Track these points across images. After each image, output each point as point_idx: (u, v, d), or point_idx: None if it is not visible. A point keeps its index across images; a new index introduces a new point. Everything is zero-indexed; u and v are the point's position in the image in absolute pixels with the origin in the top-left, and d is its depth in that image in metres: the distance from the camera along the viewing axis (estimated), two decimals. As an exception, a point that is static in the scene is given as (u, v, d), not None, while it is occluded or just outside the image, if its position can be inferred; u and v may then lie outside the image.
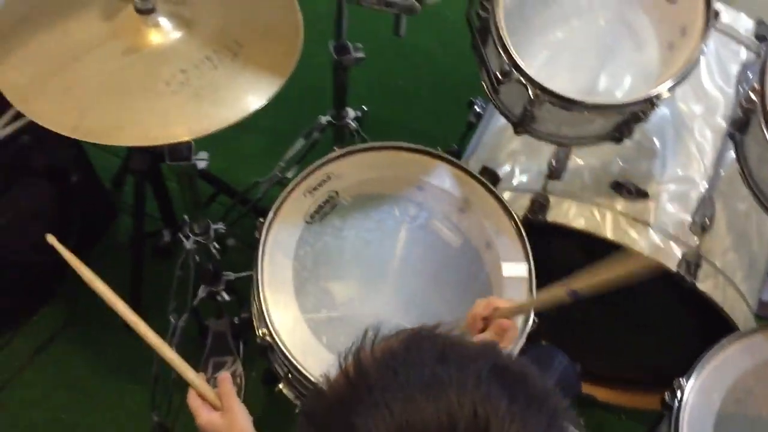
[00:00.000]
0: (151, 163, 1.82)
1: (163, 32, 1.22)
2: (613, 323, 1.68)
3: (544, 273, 1.40)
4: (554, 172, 1.57)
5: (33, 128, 1.87)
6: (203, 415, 1.02)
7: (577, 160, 1.61)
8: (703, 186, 1.58)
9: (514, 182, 1.63)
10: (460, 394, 0.57)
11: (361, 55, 1.78)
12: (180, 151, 1.43)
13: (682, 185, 1.58)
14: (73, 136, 1.14)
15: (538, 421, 0.59)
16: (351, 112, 1.95)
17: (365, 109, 1.98)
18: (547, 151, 1.61)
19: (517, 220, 1.43)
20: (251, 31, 1.26)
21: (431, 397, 0.57)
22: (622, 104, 1.30)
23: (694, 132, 1.65)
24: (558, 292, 1.02)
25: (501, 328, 1.08)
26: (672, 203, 1.56)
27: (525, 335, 1.35)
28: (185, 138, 1.15)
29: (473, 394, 0.57)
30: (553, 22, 1.38)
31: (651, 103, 1.29)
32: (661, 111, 1.66)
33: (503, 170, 1.67)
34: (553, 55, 1.43)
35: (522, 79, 1.30)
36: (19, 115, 1.88)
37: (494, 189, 1.47)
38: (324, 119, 1.94)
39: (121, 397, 1.95)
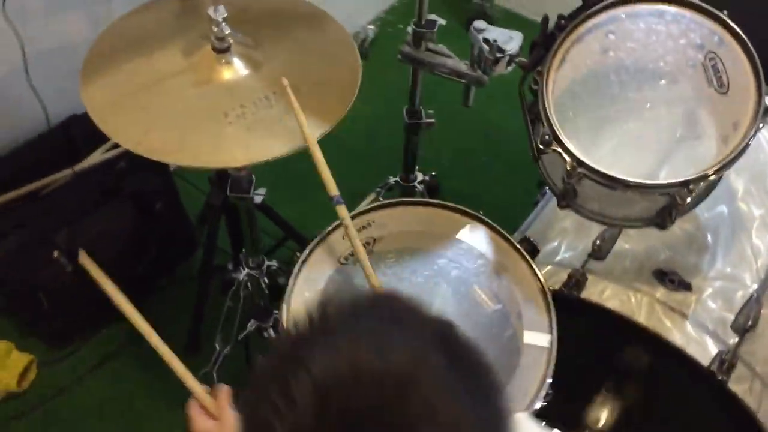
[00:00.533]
0: (226, 199, 1.95)
1: (233, 70, 1.36)
2: (644, 419, 1.63)
3: (572, 347, 1.40)
4: (597, 252, 1.57)
5: (130, 156, 2.06)
6: (199, 422, 1.08)
7: (624, 244, 1.61)
8: (753, 288, 1.54)
9: (557, 258, 1.65)
10: (404, 348, 0.61)
11: (431, 120, 1.88)
12: (241, 185, 1.55)
13: (729, 283, 1.54)
14: (135, 151, 1.27)
15: (469, 390, 0.62)
16: (419, 176, 2.04)
17: (434, 174, 2.06)
18: (596, 234, 1.62)
19: (546, 290, 1.45)
20: (311, 81, 1.37)
21: (375, 345, 0.61)
22: (655, 185, 1.31)
23: (751, 233, 1.62)
24: None
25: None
26: (715, 300, 1.52)
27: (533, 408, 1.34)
28: (231, 165, 1.26)
29: (414, 350, 0.61)
30: (616, 113, 1.40)
31: (686, 187, 1.29)
32: (720, 208, 1.65)
33: (550, 246, 1.69)
34: (618, 146, 1.43)
35: (559, 149, 1.34)
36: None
37: (529, 258, 1.49)
38: (392, 179, 2.03)
39: (169, 417, 2.04)
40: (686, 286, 1.54)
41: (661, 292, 1.53)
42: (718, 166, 1.29)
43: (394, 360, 0.60)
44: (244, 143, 1.27)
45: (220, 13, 1.29)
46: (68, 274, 1.94)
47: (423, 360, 0.61)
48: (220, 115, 1.30)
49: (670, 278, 1.54)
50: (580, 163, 1.33)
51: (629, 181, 1.31)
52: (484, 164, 2.56)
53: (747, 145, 1.31)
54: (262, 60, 1.39)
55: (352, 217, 1.50)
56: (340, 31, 1.50)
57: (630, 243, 1.61)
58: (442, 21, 1.68)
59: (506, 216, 1.86)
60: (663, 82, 1.37)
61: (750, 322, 1.48)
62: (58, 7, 1.93)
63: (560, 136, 1.34)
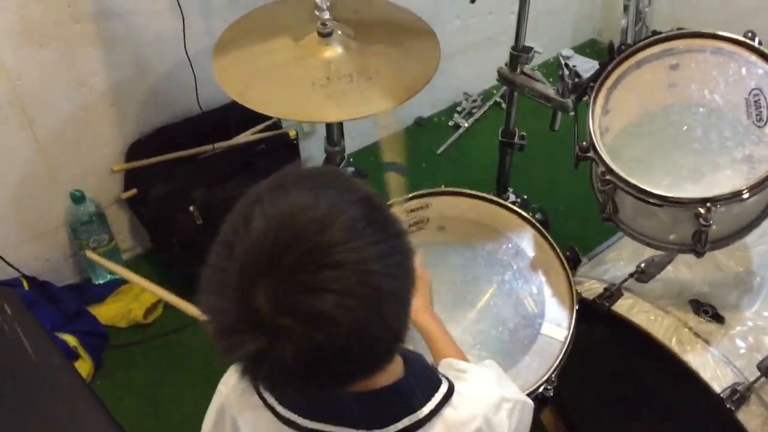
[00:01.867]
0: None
1: (330, 51, 1.63)
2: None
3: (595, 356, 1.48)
4: (640, 274, 1.64)
5: (270, 140, 2.41)
6: None
7: (670, 273, 1.67)
8: (791, 336, 1.54)
9: (604, 276, 1.73)
10: (330, 201, 0.79)
11: (523, 142, 2.04)
12: (334, 159, 1.82)
13: (764, 326, 1.55)
14: (241, 101, 1.57)
15: (378, 236, 0.79)
16: (511, 196, 2.19)
17: (525, 197, 2.20)
18: (647, 262, 1.69)
19: (574, 294, 1.56)
20: (390, 70, 1.62)
21: (311, 199, 0.79)
22: (673, 198, 1.39)
23: (801, 288, 1.62)
24: None
25: None
26: (745, 339, 1.53)
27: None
28: (304, 119, 1.52)
29: (336, 203, 0.79)
30: (657, 132, 1.51)
31: (705, 206, 1.36)
32: (777, 257, 1.66)
33: (603, 267, 1.78)
34: (652, 163, 1.52)
35: (594, 156, 1.47)
36: (266, 129, 2.44)
37: (566, 263, 1.61)
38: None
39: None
40: (719, 319, 1.57)
41: (692, 319, 1.57)
42: (737, 189, 1.36)
43: (320, 208, 0.79)
44: (320, 106, 1.54)
45: (324, 1, 1.57)
46: (198, 227, 2.29)
47: (341, 210, 0.80)
48: (309, 82, 1.57)
49: (705, 309, 1.58)
50: (609, 170, 1.45)
51: (649, 191, 1.41)
52: (570, 190, 2.57)
53: (772, 176, 1.36)
54: (356, 49, 1.65)
55: (415, 197, 1.71)
56: (435, 46, 1.73)
57: (676, 272, 1.67)
58: (539, 49, 1.86)
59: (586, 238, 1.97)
60: (702, 109, 1.46)
61: (776, 365, 1.49)
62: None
63: (597, 145, 1.47)
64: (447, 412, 0.95)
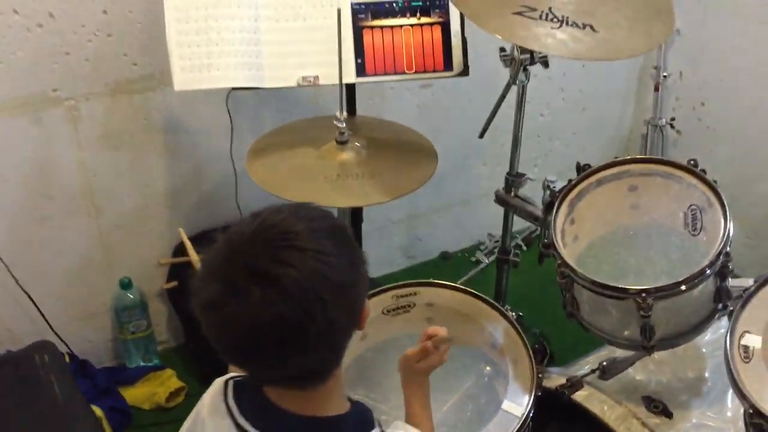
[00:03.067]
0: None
1: (344, 155, 1.96)
2: None
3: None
4: (601, 372, 1.81)
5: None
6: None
7: (630, 374, 1.83)
8: (729, 438, 1.66)
9: (571, 373, 1.89)
10: (301, 223, 1.03)
11: (516, 259, 2.27)
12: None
13: (708, 425, 1.69)
14: (261, 186, 1.89)
15: (339, 249, 1.04)
16: (510, 314, 2.38)
17: (521, 314, 2.38)
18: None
19: (534, 380, 1.72)
20: (392, 168, 1.93)
21: (284, 221, 1.03)
22: (613, 287, 1.59)
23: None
24: None
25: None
26: (688, 436, 1.67)
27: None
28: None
29: (305, 223, 1.03)
30: (609, 234, 1.75)
31: (640, 296, 1.56)
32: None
33: (574, 368, 1.94)
34: (604, 263, 1.75)
35: (553, 252, 1.70)
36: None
37: (531, 352, 1.79)
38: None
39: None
40: (668, 414, 1.71)
41: (642, 412, 1.72)
42: (672, 282, 1.56)
43: (299, 217, 1.05)
44: (327, 196, 1.84)
45: (343, 115, 1.92)
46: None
47: (316, 223, 1.05)
48: (322, 178, 1.89)
49: (655, 405, 1.73)
50: (564, 264, 1.67)
51: (596, 281, 1.62)
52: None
53: (703, 273, 1.56)
54: (365, 155, 1.98)
55: (404, 285, 1.95)
56: (433, 161, 2.03)
57: (635, 374, 1.83)
58: (531, 176, 2.15)
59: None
60: (646, 218, 1.70)
61: (716, 459, 1.61)
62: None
63: (556, 242, 1.71)
64: None
